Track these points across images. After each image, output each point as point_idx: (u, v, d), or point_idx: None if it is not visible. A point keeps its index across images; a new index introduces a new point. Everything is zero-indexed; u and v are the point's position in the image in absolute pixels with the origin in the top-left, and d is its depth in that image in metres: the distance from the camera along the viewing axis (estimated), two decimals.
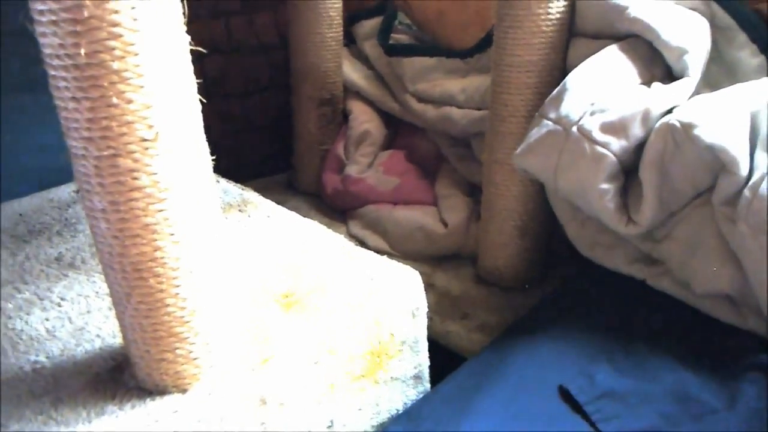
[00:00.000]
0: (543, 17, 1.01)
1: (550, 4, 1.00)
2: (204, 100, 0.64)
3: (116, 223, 0.60)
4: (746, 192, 0.78)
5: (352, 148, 1.50)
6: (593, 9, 1.00)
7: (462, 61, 1.41)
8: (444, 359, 1.01)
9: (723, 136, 0.79)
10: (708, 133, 0.79)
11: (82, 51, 0.53)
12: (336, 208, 1.51)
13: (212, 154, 1.74)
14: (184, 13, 0.59)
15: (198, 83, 1.67)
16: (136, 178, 0.58)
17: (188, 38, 0.60)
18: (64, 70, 0.54)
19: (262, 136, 1.80)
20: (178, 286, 0.64)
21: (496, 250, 1.17)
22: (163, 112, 0.57)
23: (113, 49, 0.53)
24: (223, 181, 1.20)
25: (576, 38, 1.05)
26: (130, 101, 0.55)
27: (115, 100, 0.55)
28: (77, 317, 0.84)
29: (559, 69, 1.05)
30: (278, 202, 1.54)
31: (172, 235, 0.62)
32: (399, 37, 1.52)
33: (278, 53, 1.66)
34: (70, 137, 0.58)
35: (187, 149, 0.61)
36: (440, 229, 1.28)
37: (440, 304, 1.15)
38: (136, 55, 0.54)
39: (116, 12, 0.52)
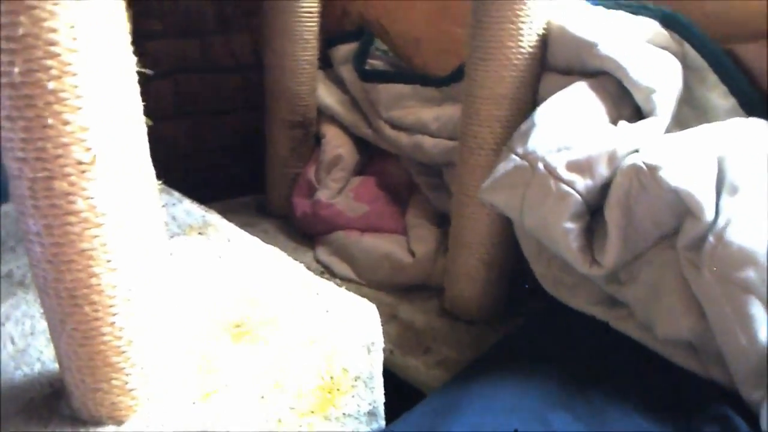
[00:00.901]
0: (514, 50, 1.00)
1: (522, 38, 0.99)
2: (150, 122, 0.62)
3: (51, 247, 0.57)
4: (710, 237, 0.76)
5: (324, 172, 1.48)
6: (564, 44, 1.00)
7: (437, 90, 1.40)
8: (404, 393, 0.99)
9: (688, 180, 0.78)
10: (673, 175, 0.78)
11: (16, 69, 0.50)
12: (305, 232, 1.49)
13: (183, 173, 1.73)
14: (131, 32, 0.58)
15: (170, 101, 1.65)
16: (71, 202, 0.56)
17: (134, 59, 0.58)
18: None
19: (235, 157, 1.78)
20: (114, 314, 0.61)
21: (462, 283, 1.15)
22: (102, 135, 0.55)
23: (50, 68, 0.51)
24: (187, 202, 1.18)
25: (547, 73, 1.04)
26: (66, 122, 0.53)
27: (50, 120, 0.52)
28: (20, 338, 0.81)
29: (529, 103, 1.04)
30: (247, 225, 1.53)
31: (109, 261, 0.59)
32: (375, 63, 1.51)
33: (254, 73, 1.64)
34: (6, 157, 0.56)
35: (128, 173, 0.58)
36: (407, 258, 1.26)
37: (402, 337, 1.13)
38: (74, 75, 0.52)
39: (54, 30, 0.50)
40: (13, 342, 0.80)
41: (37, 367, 0.76)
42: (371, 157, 1.53)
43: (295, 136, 1.53)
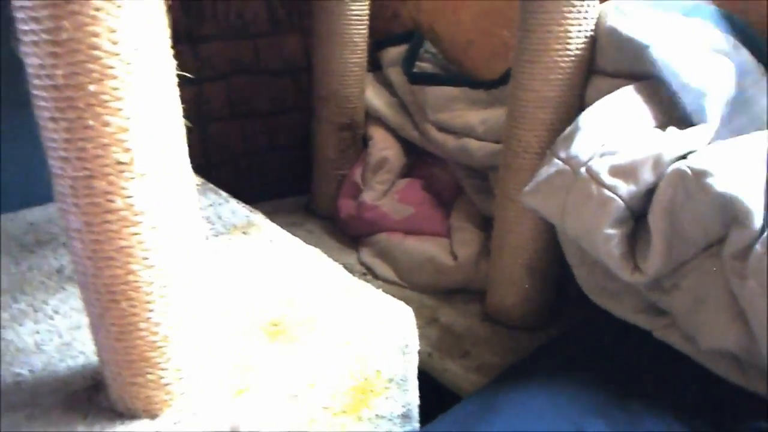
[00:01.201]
0: (561, 53, 0.98)
1: (569, 41, 0.98)
2: (188, 124, 0.63)
3: (90, 243, 0.59)
4: (758, 247, 0.74)
5: (370, 174, 1.48)
6: (613, 47, 0.97)
7: (485, 93, 1.39)
8: (442, 397, 0.98)
9: (736, 186, 0.75)
10: (720, 182, 0.75)
11: (60, 72, 0.52)
12: (349, 234, 1.49)
13: (235, 173, 1.75)
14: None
15: (223, 103, 1.68)
16: (110, 201, 0.57)
17: (174, 62, 0.60)
18: (44, 89, 0.54)
19: (285, 157, 1.80)
20: (150, 310, 0.63)
21: (504, 287, 1.14)
22: (141, 136, 0.57)
23: (91, 71, 0.53)
24: (233, 202, 1.20)
25: (595, 76, 1.02)
26: (106, 124, 0.55)
27: (91, 122, 0.54)
28: (66, 332, 0.84)
29: (576, 106, 1.02)
30: (294, 225, 1.55)
31: (146, 259, 0.61)
32: (424, 66, 1.51)
33: (304, 75, 1.66)
34: (49, 156, 0.58)
35: (166, 174, 0.60)
36: (449, 261, 1.26)
37: (442, 340, 1.12)
38: (115, 78, 0.54)
39: (95, 35, 0.52)
40: (59, 335, 0.83)
41: (81, 360, 0.79)
42: (418, 159, 1.53)
43: (343, 138, 1.54)
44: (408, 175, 1.51)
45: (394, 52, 1.55)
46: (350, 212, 1.47)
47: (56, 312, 0.88)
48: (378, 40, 1.59)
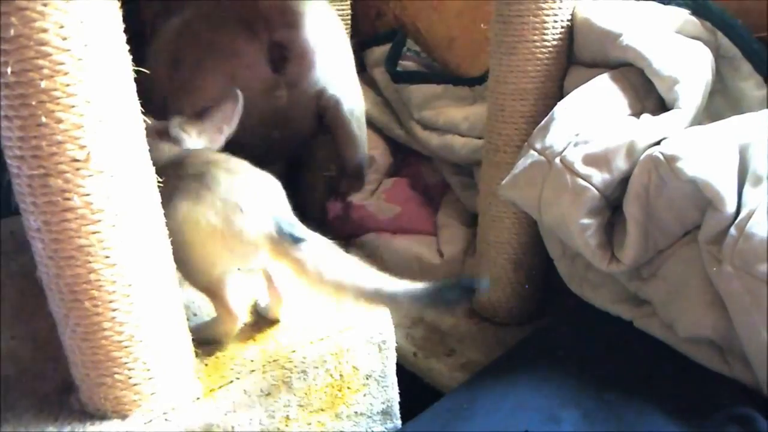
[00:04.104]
0: (538, 44, 0.98)
1: (546, 32, 0.97)
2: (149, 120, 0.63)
3: (50, 243, 0.59)
4: (732, 230, 0.73)
5: None
6: (589, 36, 0.97)
7: (470, 89, 1.39)
8: (428, 396, 0.97)
9: (707, 170, 0.74)
10: (691, 166, 0.75)
11: (9, 70, 0.52)
12: (338, 235, 1.48)
13: None
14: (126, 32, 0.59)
15: None
16: (67, 199, 0.57)
17: (130, 58, 0.59)
18: None
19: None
20: (114, 310, 0.63)
21: (490, 283, 1.13)
22: (97, 133, 0.56)
23: (41, 68, 0.53)
24: None
25: (573, 66, 1.01)
26: (59, 121, 0.55)
27: (44, 119, 0.54)
28: (42, 336, 0.84)
29: (555, 98, 1.01)
30: None
31: (108, 258, 0.60)
32: (407, 64, 1.50)
33: None
34: (6, 155, 0.58)
35: (124, 171, 0.60)
36: (436, 259, 1.25)
37: (428, 340, 1.11)
38: (66, 74, 0.54)
39: (44, 31, 0.52)
40: (34, 340, 0.83)
41: (55, 363, 0.78)
42: (404, 158, 1.52)
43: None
44: (395, 174, 1.50)
45: (378, 52, 1.55)
46: (337, 213, 1.46)
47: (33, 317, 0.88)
48: (362, 41, 1.59)
